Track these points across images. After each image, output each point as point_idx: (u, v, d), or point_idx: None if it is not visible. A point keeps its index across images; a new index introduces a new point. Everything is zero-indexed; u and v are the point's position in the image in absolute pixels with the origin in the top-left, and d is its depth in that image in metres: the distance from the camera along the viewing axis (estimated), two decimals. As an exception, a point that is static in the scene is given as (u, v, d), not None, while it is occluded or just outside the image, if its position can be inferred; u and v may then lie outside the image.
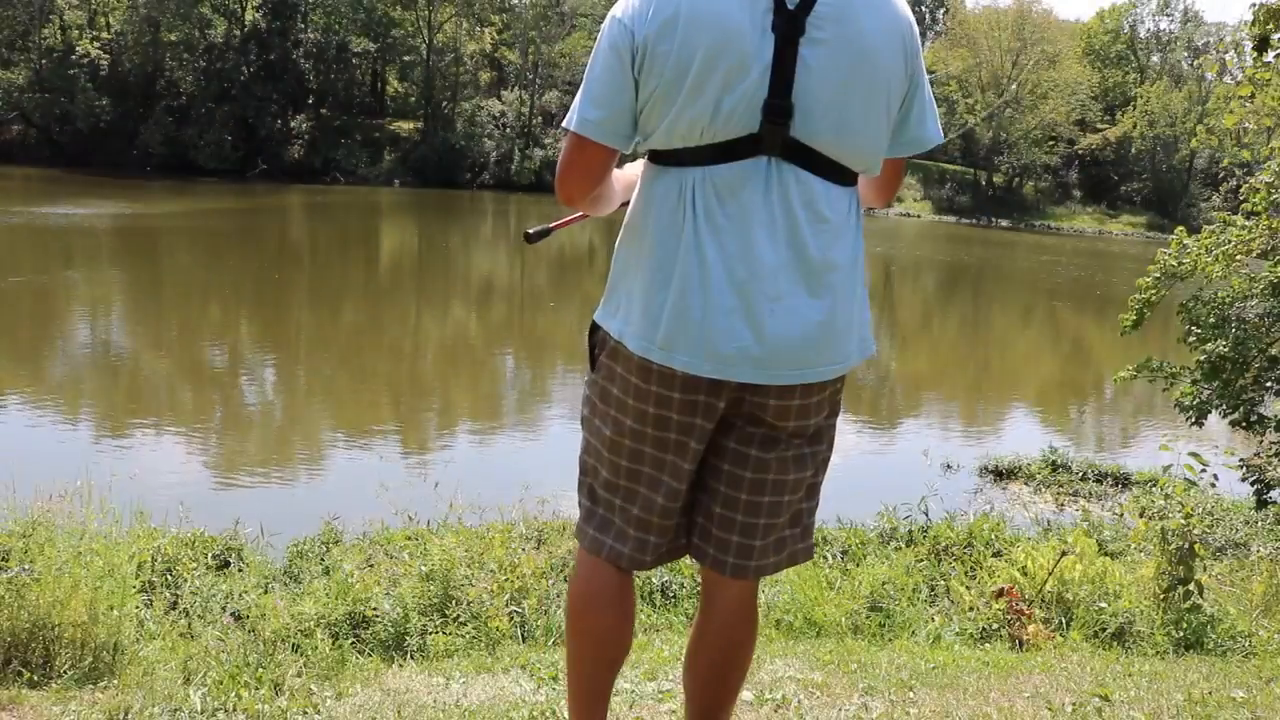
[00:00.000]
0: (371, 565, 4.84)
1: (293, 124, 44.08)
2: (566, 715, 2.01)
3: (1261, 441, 6.41)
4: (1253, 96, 6.04)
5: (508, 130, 45.75)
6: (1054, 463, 9.17)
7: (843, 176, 1.73)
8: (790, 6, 1.62)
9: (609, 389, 1.83)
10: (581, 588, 1.94)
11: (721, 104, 1.63)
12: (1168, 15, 59.09)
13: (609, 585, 1.90)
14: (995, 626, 4.45)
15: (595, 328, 1.87)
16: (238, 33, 44.01)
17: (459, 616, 4.27)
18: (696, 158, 1.68)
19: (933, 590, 5.14)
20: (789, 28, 1.62)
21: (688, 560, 5.18)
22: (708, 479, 1.86)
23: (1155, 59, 59.64)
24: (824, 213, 1.71)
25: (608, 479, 1.87)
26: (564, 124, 1.74)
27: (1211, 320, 6.48)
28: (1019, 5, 53.57)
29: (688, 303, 1.68)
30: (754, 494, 1.83)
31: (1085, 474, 9.05)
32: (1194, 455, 5.05)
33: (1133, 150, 54.38)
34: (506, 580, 4.44)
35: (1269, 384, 6.28)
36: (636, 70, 1.66)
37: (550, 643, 4.00)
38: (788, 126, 1.65)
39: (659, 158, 1.73)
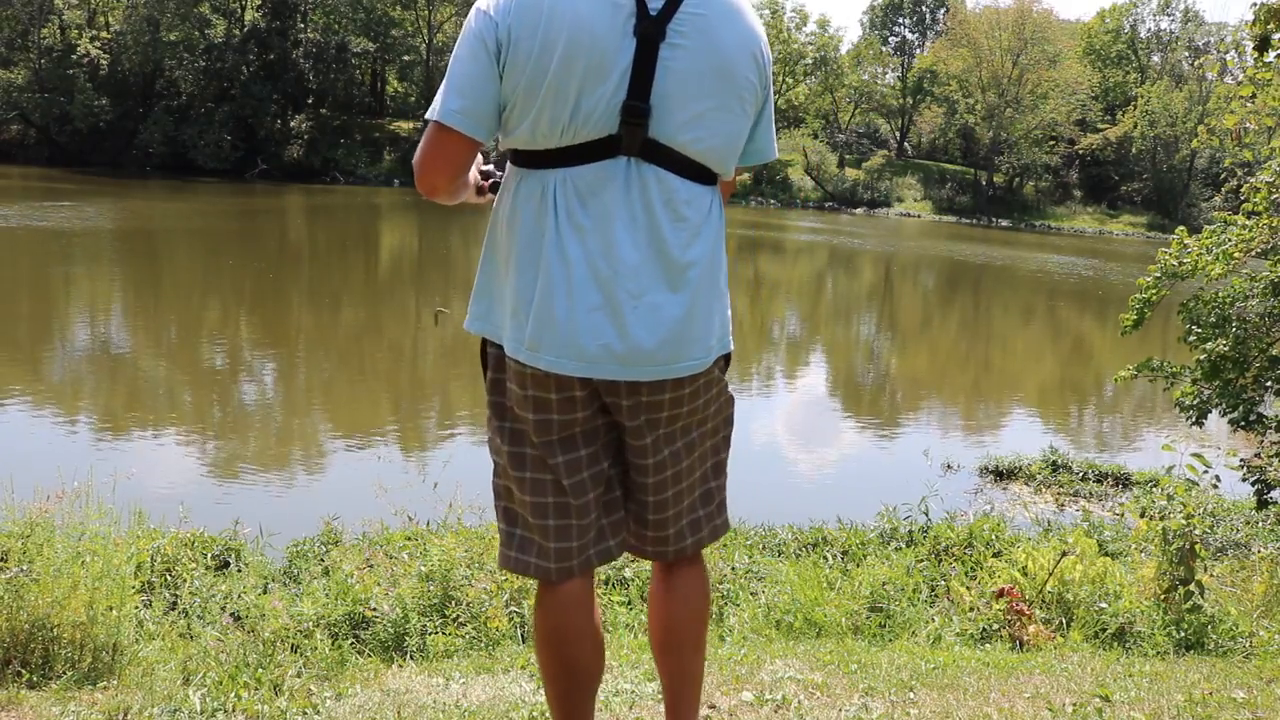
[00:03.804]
0: (371, 566, 4.83)
1: (292, 124, 44.09)
2: None
3: (1262, 442, 6.40)
4: (1254, 96, 6.03)
5: (508, 130, 45.75)
6: (1054, 463, 9.17)
7: (702, 176, 1.78)
8: (653, 12, 1.67)
9: (502, 404, 1.88)
10: (539, 611, 1.94)
11: (580, 104, 1.67)
12: (1168, 15, 59.13)
13: (568, 603, 1.90)
14: (996, 627, 4.44)
15: (484, 347, 1.91)
16: (237, 32, 44.02)
17: (459, 617, 4.26)
18: (558, 159, 1.72)
19: (933, 591, 5.13)
20: (651, 32, 1.67)
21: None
22: (617, 474, 1.92)
23: (1156, 59, 59.65)
24: (683, 211, 1.75)
25: (519, 496, 1.89)
26: (427, 114, 1.76)
27: (1212, 320, 6.46)
28: (1019, 5, 53.54)
29: (552, 302, 1.72)
30: (657, 484, 1.90)
31: (1086, 474, 9.04)
32: (1197, 456, 5.05)
33: (1133, 150, 54.37)
34: (506, 580, 4.44)
35: (1269, 384, 6.27)
36: (501, 63, 1.69)
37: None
38: (646, 127, 1.70)
39: (521, 159, 1.77)
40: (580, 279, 1.71)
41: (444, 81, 1.75)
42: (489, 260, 1.86)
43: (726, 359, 1.96)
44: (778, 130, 1.99)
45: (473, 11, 1.74)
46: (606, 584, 4.96)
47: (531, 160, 1.75)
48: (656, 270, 1.74)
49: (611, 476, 1.93)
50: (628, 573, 5.02)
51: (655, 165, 1.73)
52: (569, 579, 1.89)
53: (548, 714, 2.68)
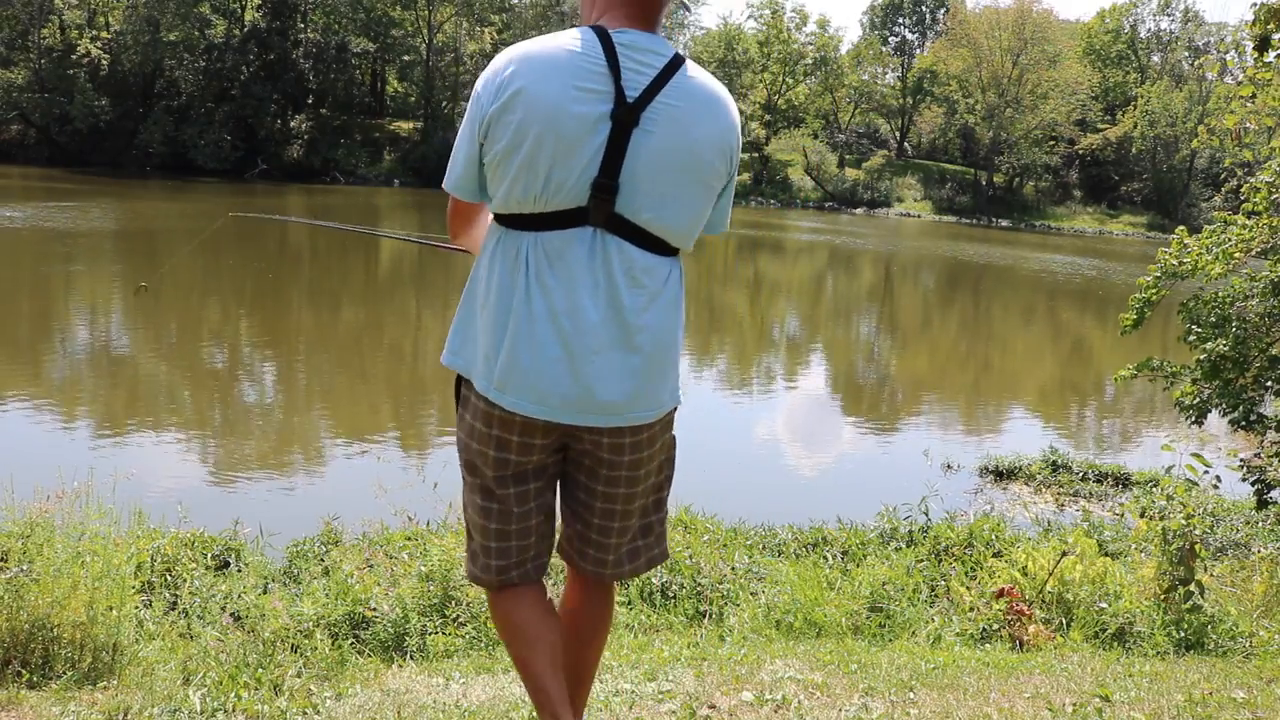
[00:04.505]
0: (371, 566, 4.83)
1: (292, 124, 44.10)
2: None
3: (1262, 442, 6.40)
4: (1254, 96, 6.03)
5: (508, 130, 45.75)
6: (1054, 463, 9.17)
7: (662, 248, 1.94)
8: (630, 99, 1.84)
9: (468, 434, 2.06)
10: (493, 611, 2.18)
11: (551, 177, 1.85)
12: (1168, 15, 59.11)
13: (515, 601, 2.12)
14: (996, 627, 4.44)
15: (459, 381, 2.08)
16: (237, 32, 44.01)
17: (459, 617, 4.26)
18: (531, 223, 1.89)
19: (933, 591, 5.13)
20: (625, 118, 1.84)
21: (687, 560, 5.20)
22: (566, 504, 2.15)
23: (1156, 59, 59.64)
24: (641, 279, 1.91)
25: (476, 514, 2.10)
26: (443, 185, 2.03)
27: (1212, 319, 6.46)
28: (1019, 5, 53.53)
29: (518, 351, 1.90)
30: (603, 519, 2.10)
31: (1086, 474, 9.04)
32: (1197, 456, 5.04)
33: (1133, 150, 54.36)
34: (506, 580, 4.44)
35: (1269, 384, 6.26)
36: (482, 136, 1.91)
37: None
38: (613, 203, 1.87)
39: (502, 220, 1.95)
40: (544, 332, 1.89)
41: (453, 153, 2.00)
42: (467, 304, 2.03)
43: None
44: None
45: (475, 88, 1.94)
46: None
47: (510, 222, 1.93)
48: (614, 330, 1.90)
49: (553, 506, 2.14)
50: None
51: (618, 237, 1.89)
52: (509, 587, 2.12)
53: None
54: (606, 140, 1.84)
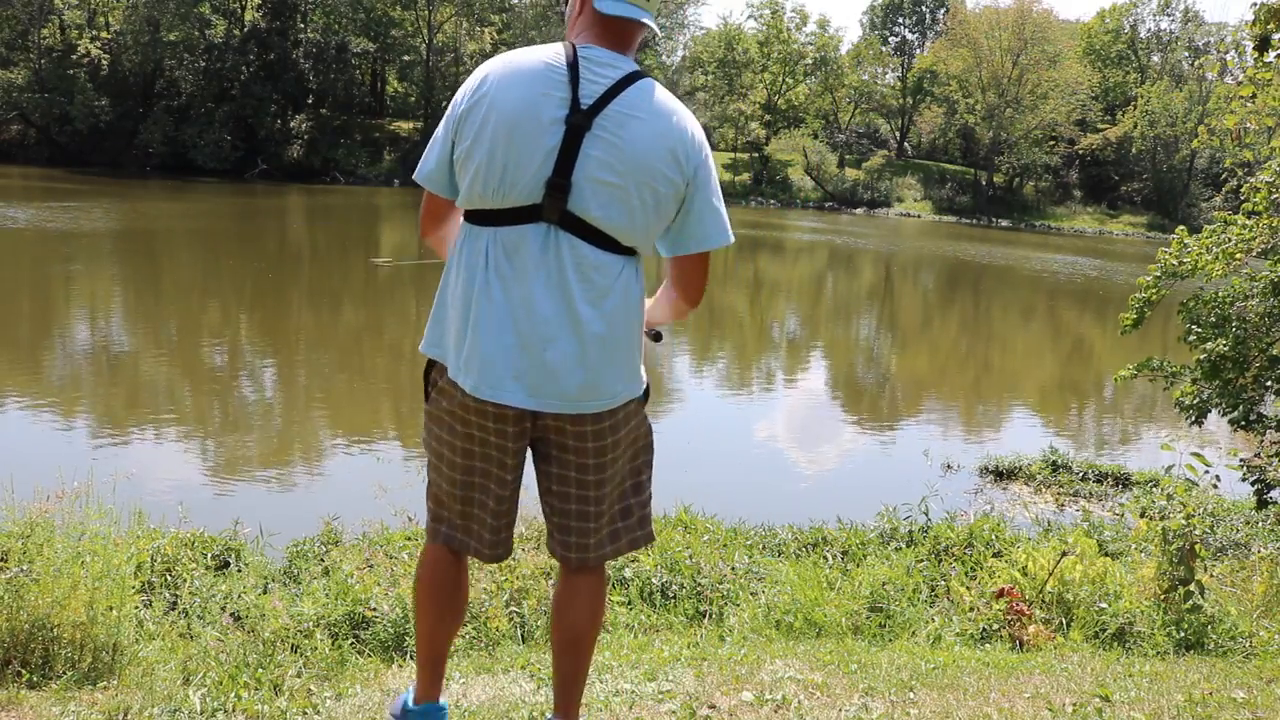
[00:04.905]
0: (371, 566, 4.83)
1: (292, 124, 44.08)
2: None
3: (1262, 442, 6.40)
4: (1254, 97, 6.03)
5: (507, 130, 45.74)
6: (1054, 463, 9.17)
7: (614, 246, 2.06)
8: (584, 106, 2.00)
9: (439, 415, 2.20)
10: (423, 573, 2.39)
11: (506, 174, 2.00)
12: (1168, 15, 59.09)
13: (447, 571, 2.35)
14: (996, 627, 4.44)
15: (429, 364, 2.23)
16: (237, 33, 44.00)
17: (459, 617, 4.25)
18: (492, 219, 2.05)
19: (933, 591, 5.13)
20: (578, 123, 1.99)
21: (687, 560, 5.19)
22: (544, 500, 2.27)
23: (1156, 59, 59.62)
24: (592, 275, 2.05)
25: (447, 489, 2.26)
26: (414, 175, 2.19)
27: (1212, 319, 6.46)
28: (1019, 5, 53.51)
29: (479, 338, 2.05)
30: (579, 504, 2.22)
31: (1086, 474, 9.05)
32: (1197, 456, 5.04)
33: (1133, 150, 54.34)
34: (505, 580, 4.44)
35: (1269, 383, 6.26)
36: (453, 134, 2.08)
37: (549, 642, 3.99)
38: (565, 201, 2.00)
39: (469, 217, 2.11)
40: (501, 321, 2.04)
41: (427, 147, 2.16)
42: (441, 296, 2.18)
43: (646, 394, 2.24)
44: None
45: (458, 92, 2.11)
46: (606, 584, 4.96)
47: (475, 218, 2.09)
48: (565, 321, 2.04)
49: (542, 490, 2.27)
50: (627, 573, 5.02)
51: (570, 233, 2.03)
52: (480, 558, 2.31)
53: (548, 714, 2.69)
54: (560, 142, 1.99)
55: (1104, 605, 4.49)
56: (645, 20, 2.10)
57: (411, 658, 3.92)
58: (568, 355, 2.04)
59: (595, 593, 2.34)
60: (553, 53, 2.05)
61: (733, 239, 2.15)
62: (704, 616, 4.74)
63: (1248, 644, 4.33)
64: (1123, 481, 8.91)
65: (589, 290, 2.04)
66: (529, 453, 2.25)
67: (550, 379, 2.05)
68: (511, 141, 1.99)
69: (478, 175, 2.03)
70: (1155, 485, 8.39)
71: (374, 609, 4.24)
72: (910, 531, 6.27)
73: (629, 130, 2.01)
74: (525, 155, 1.99)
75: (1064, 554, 4.72)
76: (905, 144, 63.56)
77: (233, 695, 2.90)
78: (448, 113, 2.11)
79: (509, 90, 2.01)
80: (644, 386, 2.22)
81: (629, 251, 2.09)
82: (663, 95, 2.09)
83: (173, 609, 4.37)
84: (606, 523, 2.26)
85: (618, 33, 2.10)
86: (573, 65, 2.02)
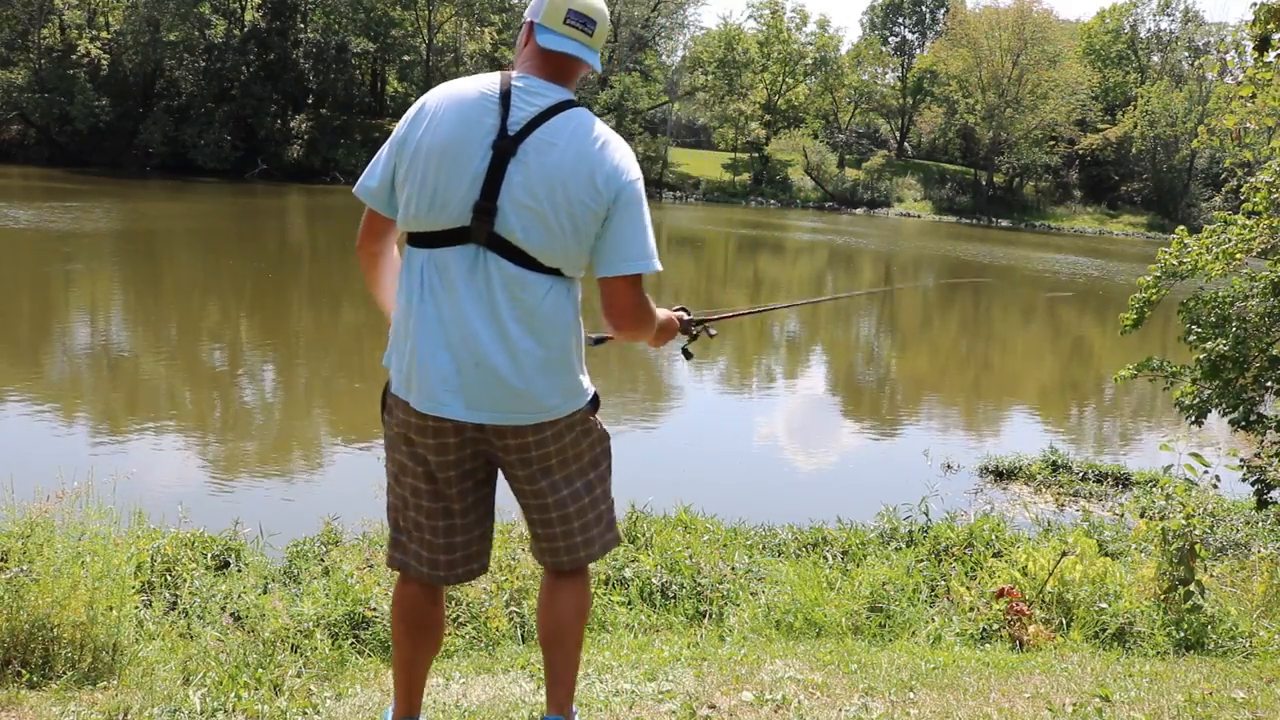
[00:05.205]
0: (371, 566, 4.83)
1: (292, 124, 44.06)
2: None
3: (1262, 442, 6.40)
4: (1254, 96, 6.03)
5: (507, 130, 45.72)
6: (1054, 463, 9.16)
7: (539, 266, 2.15)
8: (510, 132, 2.11)
9: (391, 433, 2.30)
10: (396, 602, 2.42)
11: (436, 196, 2.12)
12: (1168, 15, 59.10)
13: (418, 603, 2.39)
14: (996, 627, 4.44)
15: (386, 389, 2.30)
16: (237, 33, 43.98)
17: (459, 617, 4.26)
18: (427, 241, 2.16)
19: (933, 591, 5.13)
20: (504, 148, 2.10)
21: (687, 560, 5.19)
22: (520, 502, 2.36)
23: (1156, 59, 59.63)
24: (519, 294, 2.14)
25: (400, 509, 2.34)
26: (354, 189, 2.30)
27: (1212, 319, 6.46)
28: (1019, 5, 53.51)
29: (417, 354, 2.17)
30: (541, 512, 2.33)
31: (1086, 474, 9.04)
32: (1195, 456, 5.04)
33: (1133, 150, 54.35)
34: (505, 580, 4.44)
35: (1269, 384, 6.26)
36: (395, 157, 2.20)
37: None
38: (492, 223, 2.11)
39: (410, 240, 2.21)
40: (436, 338, 2.15)
41: (369, 164, 2.27)
42: (394, 315, 2.28)
43: (595, 405, 2.33)
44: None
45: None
46: (606, 584, 4.96)
47: (414, 240, 2.19)
48: (494, 337, 2.14)
49: (466, 510, 2.32)
50: (628, 573, 5.02)
51: (497, 254, 2.12)
52: (439, 583, 2.37)
53: (543, 709, 2.69)
54: (487, 167, 2.10)
55: (1104, 605, 4.49)
56: (586, 58, 2.20)
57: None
58: (499, 369, 2.14)
59: (576, 590, 2.42)
60: (489, 82, 2.17)
61: (656, 268, 2.18)
62: (704, 616, 4.74)
63: (1248, 644, 4.33)
64: (1123, 481, 8.90)
65: (517, 308, 2.14)
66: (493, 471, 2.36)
67: (484, 393, 2.15)
68: (441, 166, 2.10)
69: (411, 198, 2.14)
70: (1155, 485, 8.39)
71: (374, 609, 4.24)
72: (910, 531, 6.27)
73: (549, 157, 2.11)
74: (454, 179, 2.10)
75: (1064, 554, 4.72)
76: (905, 144, 63.56)
77: (233, 695, 2.90)
78: (392, 135, 2.23)
79: (444, 118, 2.13)
80: (588, 398, 2.30)
81: (555, 271, 2.17)
82: (589, 124, 2.16)
83: (173, 609, 4.36)
84: (579, 529, 2.35)
85: (558, 67, 2.21)
86: (505, 94, 2.14)
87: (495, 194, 2.10)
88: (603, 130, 2.18)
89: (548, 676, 2.47)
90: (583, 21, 2.20)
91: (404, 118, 2.22)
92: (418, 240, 2.18)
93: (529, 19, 2.25)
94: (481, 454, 2.27)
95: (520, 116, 2.12)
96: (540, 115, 2.12)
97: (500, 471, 2.35)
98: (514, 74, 2.19)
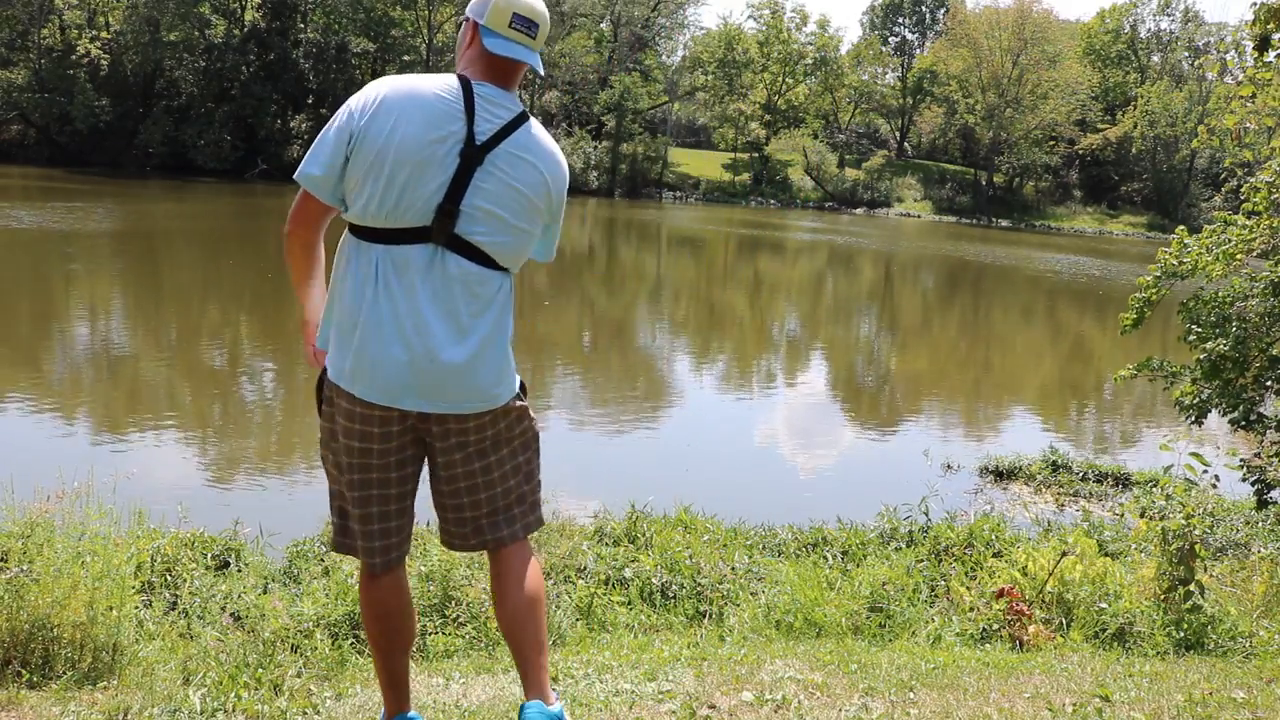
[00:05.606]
0: (371, 565, 4.82)
1: (292, 124, 44.04)
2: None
3: (1262, 442, 6.40)
4: (1254, 96, 6.03)
5: (507, 130, 45.74)
6: (1054, 463, 9.16)
7: (494, 264, 2.27)
8: (478, 141, 2.20)
9: (332, 427, 2.34)
10: (363, 603, 2.48)
11: (402, 198, 2.17)
12: (1168, 15, 59.11)
13: (383, 599, 2.44)
14: (996, 627, 4.44)
15: (321, 380, 2.36)
16: (237, 33, 43.98)
17: (459, 617, 4.26)
18: (382, 237, 2.21)
19: (933, 591, 5.13)
20: (471, 157, 2.20)
21: (687, 560, 5.20)
22: (436, 490, 2.44)
23: (1156, 59, 59.63)
24: (475, 290, 2.25)
25: (347, 497, 2.38)
26: (295, 175, 2.28)
27: (1212, 319, 6.46)
28: (1019, 5, 53.51)
29: (367, 347, 2.22)
30: (471, 493, 2.40)
31: (1086, 474, 9.04)
32: (1195, 456, 5.04)
33: (1133, 150, 54.35)
34: (506, 580, 4.43)
35: (1269, 383, 6.26)
36: (349, 149, 2.20)
37: (549, 642, 3.99)
38: (453, 225, 2.20)
39: (358, 233, 2.25)
40: (390, 332, 2.20)
41: (310, 151, 2.25)
42: (330, 304, 2.33)
43: (523, 391, 2.46)
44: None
45: (347, 104, 2.24)
46: (606, 583, 4.96)
47: (365, 235, 2.23)
48: (450, 331, 2.23)
49: (435, 488, 2.43)
50: (628, 573, 5.02)
51: (455, 253, 2.22)
52: (390, 568, 2.43)
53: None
54: (454, 173, 2.18)
55: (1104, 605, 4.49)
56: (530, 62, 2.30)
57: (412, 658, 3.92)
58: (454, 362, 2.23)
59: (524, 560, 2.45)
60: (443, 85, 2.23)
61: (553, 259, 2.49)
62: (704, 616, 4.74)
63: (1248, 644, 4.33)
64: (1123, 481, 8.90)
65: (473, 303, 2.25)
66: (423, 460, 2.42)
67: (436, 385, 2.23)
68: (410, 172, 2.17)
69: (374, 197, 2.18)
70: (1155, 485, 8.39)
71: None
72: (910, 531, 6.27)
73: (518, 170, 2.24)
74: (421, 184, 2.17)
75: (1064, 554, 4.72)
76: (905, 144, 63.56)
77: (233, 695, 2.90)
78: (340, 124, 2.21)
79: (410, 121, 2.17)
80: (517, 386, 2.43)
81: (505, 269, 2.31)
82: (544, 137, 2.33)
83: (173, 609, 4.37)
84: (502, 508, 2.44)
85: (503, 70, 2.29)
86: (469, 102, 2.22)
87: (459, 198, 2.19)
88: (552, 142, 2.36)
89: (520, 661, 2.44)
90: (526, 25, 2.28)
91: (353, 107, 2.22)
92: (370, 235, 2.22)
93: (472, 18, 2.31)
94: (419, 440, 2.36)
95: (486, 128, 2.22)
96: (506, 127, 2.24)
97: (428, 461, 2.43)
98: (472, 80, 2.26)
